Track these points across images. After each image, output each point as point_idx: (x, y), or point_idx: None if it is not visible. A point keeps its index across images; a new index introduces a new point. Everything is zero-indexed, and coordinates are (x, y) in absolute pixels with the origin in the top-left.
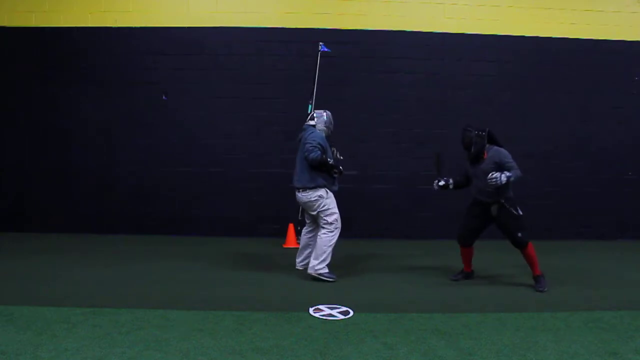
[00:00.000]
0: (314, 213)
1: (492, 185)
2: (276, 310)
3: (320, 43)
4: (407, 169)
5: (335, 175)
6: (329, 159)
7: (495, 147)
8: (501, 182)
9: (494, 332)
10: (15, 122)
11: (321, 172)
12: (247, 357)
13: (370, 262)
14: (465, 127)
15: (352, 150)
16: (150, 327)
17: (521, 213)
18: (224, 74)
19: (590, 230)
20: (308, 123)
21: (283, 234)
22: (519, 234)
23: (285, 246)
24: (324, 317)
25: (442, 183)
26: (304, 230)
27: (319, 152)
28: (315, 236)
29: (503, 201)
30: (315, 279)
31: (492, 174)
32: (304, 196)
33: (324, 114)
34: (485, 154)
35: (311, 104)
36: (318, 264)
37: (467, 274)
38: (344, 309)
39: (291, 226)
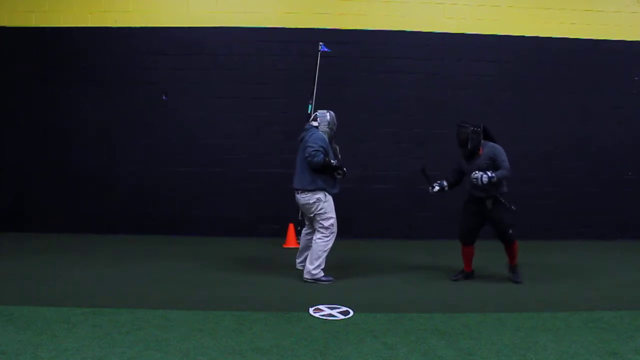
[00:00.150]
0: (311, 216)
1: (476, 184)
2: (276, 310)
3: (320, 43)
4: (407, 169)
5: (339, 177)
6: (332, 161)
7: (491, 143)
8: (482, 182)
9: (494, 332)
10: (15, 122)
11: (323, 174)
12: (247, 357)
13: (370, 262)
14: (461, 123)
15: (352, 150)
16: (150, 327)
17: (514, 208)
18: (224, 74)
19: (590, 230)
20: (310, 123)
21: (283, 234)
22: (510, 231)
23: (285, 246)
24: (324, 317)
25: (436, 189)
26: (304, 232)
27: (322, 155)
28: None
29: (498, 196)
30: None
31: (474, 174)
32: (302, 198)
33: (327, 114)
34: (481, 150)
35: (311, 104)
36: (313, 269)
37: (467, 274)
38: (344, 309)
39: (291, 226)
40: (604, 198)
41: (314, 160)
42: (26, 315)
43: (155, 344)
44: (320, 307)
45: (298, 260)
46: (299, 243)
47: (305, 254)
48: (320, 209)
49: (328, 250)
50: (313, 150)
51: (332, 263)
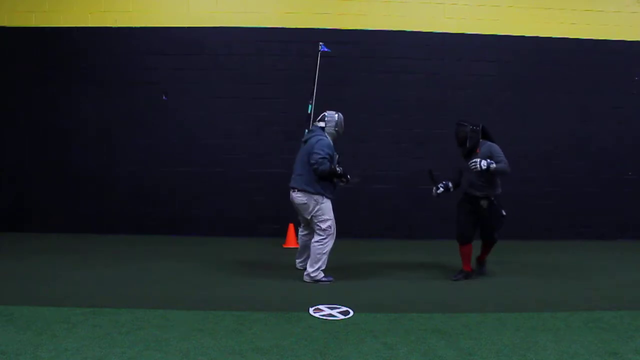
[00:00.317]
0: (308, 217)
1: (474, 171)
2: (276, 310)
3: (320, 43)
4: (407, 169)
5: (341, 184)
6: (337, 168)
7: (489, 143)
8: (481, 167)
9: (494, 332)
10: (15, 122)
11: (324, 181)
12: (247, 357)
13: (370, 262)
14: (460, 122)
15: (352, 150)
16: (150, 327)
17: (505, 214)
18: (224, 74)
19: (590, 230)
20: (317, 124)
21: (283, 234)
22: (496, 234)
23: (285, 246)
24: (324, 317)
25: (440, 190)
26: (300, 232)
27: (328, 163)
28: (312, 236)
29: (493, 198)
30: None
31: (474, 160)
32: (298, 197)
33: (336, 115)
34: (479, 149)
35: (311, 104)
36: (313, 271)
37: (467, 274)
38: (344, 309)
39: (291, 226)
40: (604, 198)
41: (320, 168)
42: (26, 315)
43: (155, 344)
44: (320, 307)
45: (298, 260)
46: (299, 243)
47: (306, 253)
48: (318, 210)
49: (328, 252)
50: (320, 158)
51: (332, 263)
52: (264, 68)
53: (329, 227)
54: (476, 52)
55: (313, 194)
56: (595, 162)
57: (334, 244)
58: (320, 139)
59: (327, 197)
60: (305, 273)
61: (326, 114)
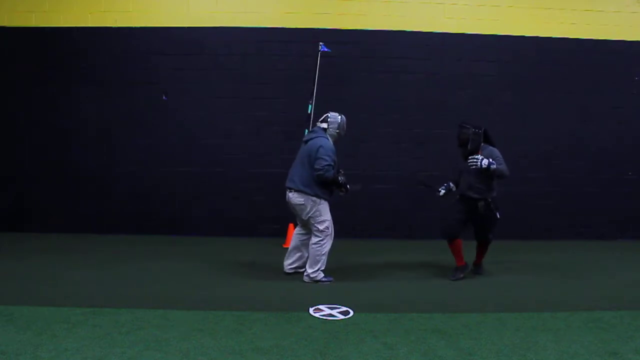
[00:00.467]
0: (305, 218)
1: (473, 169)
2: (276, 310)
3: (320, 43)
4: (407, 169)
5: (340, 194)
6: (340, 178)
7: (490, 147)
8: (481, 165)
9: (494, 332)
10: (15, 122)
11: (324, 187)
12: (247, 357)
13: (370, 262)
14: (462, 124)
15: (352, 150)
16: (150, 327)
17: (499, 216)
18: (224, 74)
19: (590, 230)
20: (320, 125)
21: (283, 234)
22: (490, 235)
23: (285, 246)
24: (324, 317)
25: (443, 192)
26: (296, 231)
27: (333, 170)
28: (308, 239)
29: (490, 200)
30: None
31: (473, 157)
32: (294, 197)
33: (339, 117)
34: (480, 153)
35: (311, 104)
36: (313, 272)
37: (463, 268)
38: (344, 309)
39: (291, 226)
40: (604, 198)
41: (325, 175)
42: (26, 315)
43: (155, 344)
44: (320, 307)
45: (286, 263)
46: (290, 243)
47: (296, 256)
48: (315, 211)
49: (327, 253)
50: (326, 165)
51: (332, 264)
52: (264, 68)
53: (327, 228)
54: (476, 52)
55: (311, 195)
56: (595, 162)
57: (333, 244)
58: (323, 145)
59: (324, 199)
60: (305, 274)
61: (329, 115)
